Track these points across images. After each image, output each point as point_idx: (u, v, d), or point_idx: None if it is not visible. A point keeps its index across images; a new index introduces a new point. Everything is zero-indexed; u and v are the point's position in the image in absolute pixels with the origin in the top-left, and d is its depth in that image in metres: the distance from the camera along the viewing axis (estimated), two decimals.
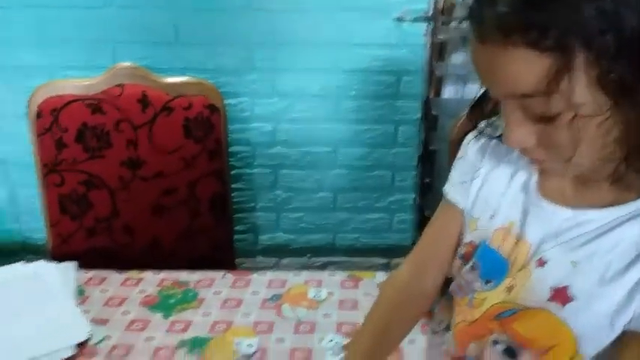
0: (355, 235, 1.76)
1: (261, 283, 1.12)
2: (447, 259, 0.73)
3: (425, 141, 1.67)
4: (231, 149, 1.53)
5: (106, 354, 0.88)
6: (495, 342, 0.63)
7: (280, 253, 1.78)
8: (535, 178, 0.63)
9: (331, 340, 0.90)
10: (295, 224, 1.73)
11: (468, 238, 0.69)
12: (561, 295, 0.57)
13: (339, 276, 1.14)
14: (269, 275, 1.14)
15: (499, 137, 0.66)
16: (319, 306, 1.03)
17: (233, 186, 1.58)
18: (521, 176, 0.65)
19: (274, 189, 1.67)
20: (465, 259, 0.69)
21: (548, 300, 0.58)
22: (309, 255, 1.78)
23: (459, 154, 0.74)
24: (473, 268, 0.67)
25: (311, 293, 1.07)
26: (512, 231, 0.63)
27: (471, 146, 0.71)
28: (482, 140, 0.70)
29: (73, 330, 0.91)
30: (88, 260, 1.18)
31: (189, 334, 0.94)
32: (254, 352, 0.88)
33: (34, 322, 0.95)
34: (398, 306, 0.74)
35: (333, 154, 1.62)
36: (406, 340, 0.91)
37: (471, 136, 0.72)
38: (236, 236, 1.60)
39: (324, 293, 1.07)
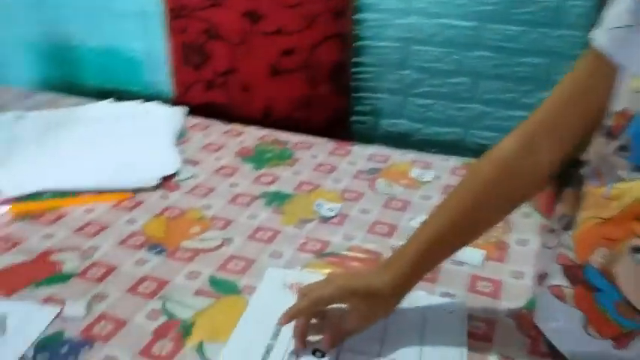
0: (491, 134, 1.53)
1: (361, 155, 1.02)
2: (581, 128, 0.54)
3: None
4: (359, 16, 1.37)
5: (187, 190, 0.88)
6: (636, 250, 0.46)
7: (400, 143, 1.62)
8: None
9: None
10: (422, 112, 1.54)
11: (620, 104, 0.49)
12: None
13: (453, 162, 0.99)
14: (372, 149, 1.03)
15: None
16: (420, 187, 0.90)
17: (356, 60, 1.44)
18: None
19: (403, 68, 1.48)
20: (612, 134, 0.50)
21: None
22: (433, 150, 1.60)
23: None
24: (622, 147, 0.48)
25: (414, 173, 0.94)
26: None
27: None
28: None
29: (162, 164, 0.93)
30: (203, 114, 1.19)
31: (273, 188, 0.90)
32: (333, 216, 0.80)
33: (130, 151, 0.98)
34: (495, 183, 0.58)
35: (478, 30, 1.37)
36: (514, 239, 0.76)
37: None
38: (354, 117, 1.49)
39: (429, 175, 0.93)
